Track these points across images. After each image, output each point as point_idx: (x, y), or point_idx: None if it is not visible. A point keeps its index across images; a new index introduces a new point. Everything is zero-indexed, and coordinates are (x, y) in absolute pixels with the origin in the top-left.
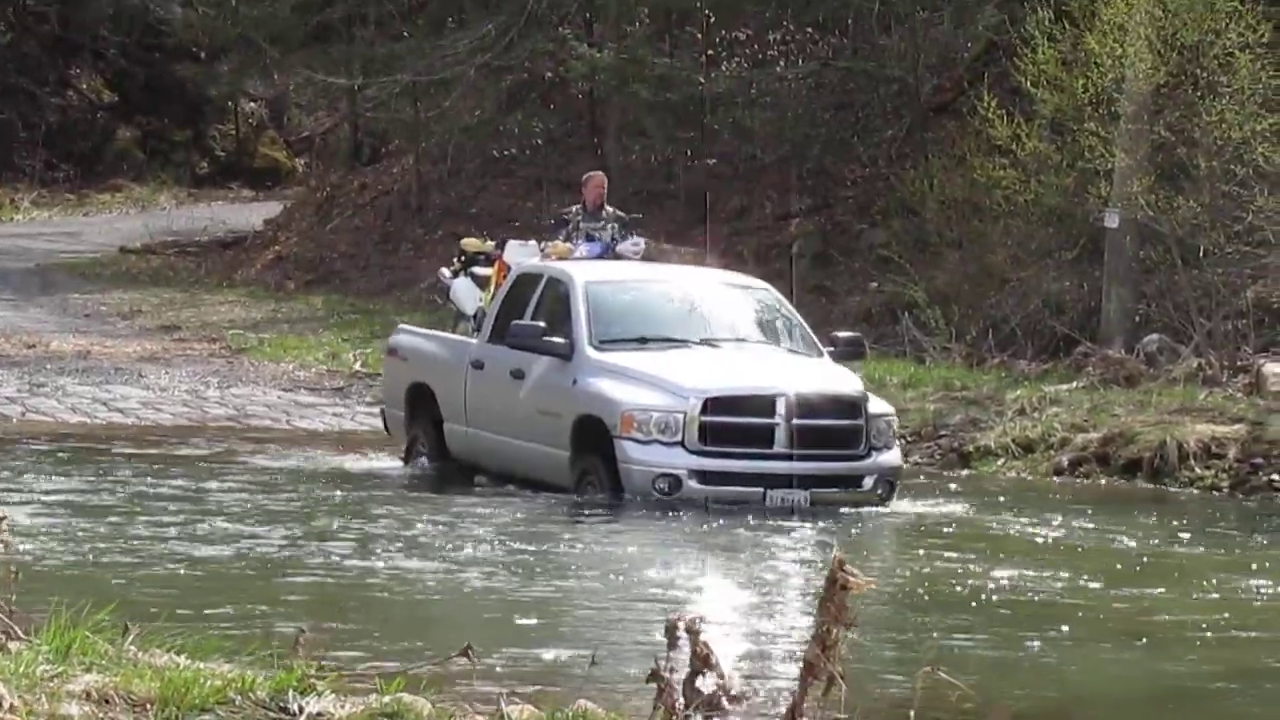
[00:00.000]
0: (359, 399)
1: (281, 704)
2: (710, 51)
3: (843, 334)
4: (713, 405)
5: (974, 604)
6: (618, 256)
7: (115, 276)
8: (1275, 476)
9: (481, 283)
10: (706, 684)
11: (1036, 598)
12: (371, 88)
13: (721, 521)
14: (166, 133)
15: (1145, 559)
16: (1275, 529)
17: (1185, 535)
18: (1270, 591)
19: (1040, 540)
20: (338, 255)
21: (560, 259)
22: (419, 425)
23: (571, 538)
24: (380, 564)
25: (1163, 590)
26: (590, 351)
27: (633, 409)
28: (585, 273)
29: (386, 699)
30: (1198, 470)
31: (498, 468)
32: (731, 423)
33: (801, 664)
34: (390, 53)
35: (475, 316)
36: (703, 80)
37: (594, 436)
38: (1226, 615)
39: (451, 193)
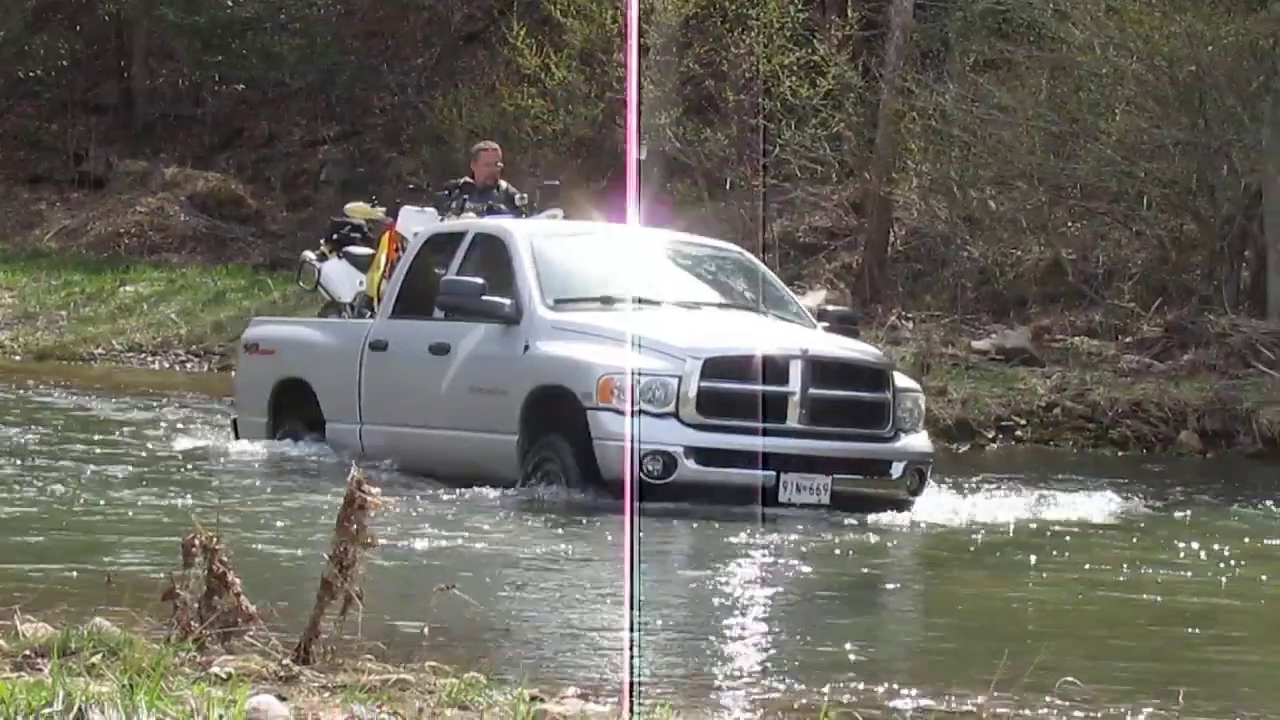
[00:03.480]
0: None
1: None
2: None
3: (833, 308)
4: (713, 368)
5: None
6: None
7: None
8: None
9: (360, 264)
10: (223, 603)
11: None
12: None
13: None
14: None
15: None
16: None
17: None
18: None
19: None
20: None
21: None
22: (288, 429)
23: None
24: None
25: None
26: (544, 311)
27: (612, 372)
28: (525, 227)
29: None
30: None
31: (411, 466)
32: (736, 390)
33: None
34: None
35: (353, 305)
36: (231, 4)
37: (554, 413)
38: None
39: None
